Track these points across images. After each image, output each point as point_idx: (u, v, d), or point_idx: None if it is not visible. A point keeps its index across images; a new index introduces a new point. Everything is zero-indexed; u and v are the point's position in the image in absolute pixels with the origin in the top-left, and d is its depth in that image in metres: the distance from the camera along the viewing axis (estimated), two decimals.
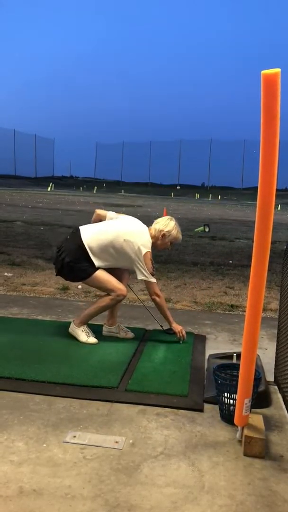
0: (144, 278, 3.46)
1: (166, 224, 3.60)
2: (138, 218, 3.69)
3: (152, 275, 3.48)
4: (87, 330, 3.60)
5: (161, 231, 3.57)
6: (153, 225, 3.63)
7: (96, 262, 3.47)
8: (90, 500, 1.84)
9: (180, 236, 3.69)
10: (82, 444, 2.23)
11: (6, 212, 16.63)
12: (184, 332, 3.68)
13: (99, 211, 3.82)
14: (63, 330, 3.70)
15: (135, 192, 57.85)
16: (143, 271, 3.44)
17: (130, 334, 3.77)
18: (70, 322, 3.71)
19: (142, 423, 2.47)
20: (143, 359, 3.29)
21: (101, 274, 3.48)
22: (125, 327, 3.82)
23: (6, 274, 6.16)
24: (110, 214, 3.75)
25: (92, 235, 3.50)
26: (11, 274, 6.17)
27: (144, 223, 3.67)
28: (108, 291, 3.52)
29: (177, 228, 3.64)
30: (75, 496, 1.86)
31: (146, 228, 3.60)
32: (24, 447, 2.19)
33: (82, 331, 3.58)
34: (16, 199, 26.59)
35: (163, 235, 3.57)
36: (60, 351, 3.34)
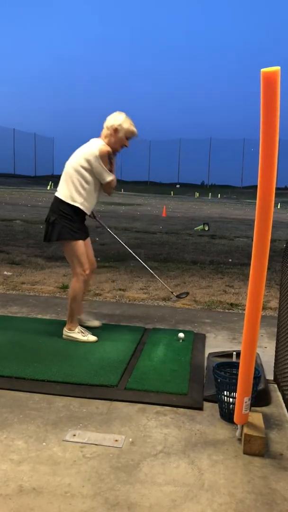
0: (110, 178, 3.43)
1: (114, 118, 3.43)
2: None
3: (110, 171, 3.44)
4: (82, 330, 3.60)
5: (112, 126, 3.41)
6: (104, 125, 3.50)
7: (77, 199, 3.42)
8: (89, 499, 1.84)
9: (135, 129, 3.48)
10: (82, 443, 2.24)
11: (5, 211, 16.62)
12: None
13: None
14: (62, 328, 3.69)
15: (135, 190, 57.85)
16: (105, 173, 3.40)
17: (96, 323, 3.92)
18: None
19: (142, 421, 2.47)
20: (142, 357, 3.29)
21: (81, 245, 3.48)
22: (125, 325, 3.82)
23: (5, 272, 6.16)
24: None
25: (60, 184, 3.51)
26: (10, 273, 6.17)
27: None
28: (77, 263, 3.48)
29: (129, 121, 3.45)
30: (74, 494, 1.86)
31: (95, 138, 3.51)
32: (23, 446, 2.19)
33: (78, 332, 3.57)
34: (16, 198, 26.58)
35: (115, 130, 3.41)
36: (59, 350, 3.34)
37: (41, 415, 2.48)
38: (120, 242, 3.98)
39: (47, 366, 3.02)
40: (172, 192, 58.74)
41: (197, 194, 55.96)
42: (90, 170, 3.40)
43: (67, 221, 3.43)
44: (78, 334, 3.57)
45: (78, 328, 3.59)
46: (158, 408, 2.63)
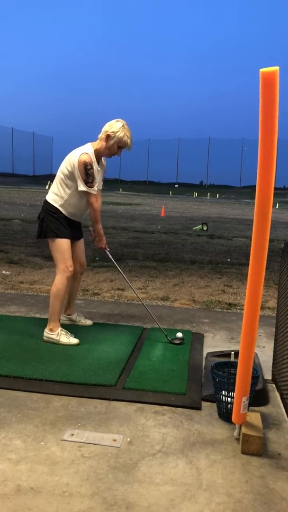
0: (83, 188, 3.38)
1: (110, 125, 3.41)
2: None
3: (87, 183, 3.36)
4: (64, 331, 3.51)
5: (105, 132, 3.39)
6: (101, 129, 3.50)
7: (58, 201, 3.47)
8: (88, 498, 1.84)
9: (128, 141, 3.44)
10: (80, 442, 2.24)
11: (4, 210, 16.60)
12: (103, 244, 3.67)
13: None
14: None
15: (134, 190, 57.83)
16: (80, 181, 3.37)
17: (89, 322, 3.94)
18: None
19: (140, 421, 2.47)
20: (141, 357, 3.30)
21: (64, 243, 3.48)
22: (124, 325, 3.81)
23: (4, 272, 6.16)
24: None
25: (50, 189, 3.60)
26: (9, 272, 6.16)
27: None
28: (60, 260, 3.47)
29: (125, 131, 3.40)
30: (73, 494, 1.86)
31: (88, 143, 3.49)
32: (22, 445, 2.19)
33: (59, 334, 3.47)
34: (14, 197, 26.55)
35: (108, 136, 3.38)
36: (58, 349, 3.34)
37: (39, 414, 2.48)
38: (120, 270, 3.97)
39: (45, 366, 3.02)
40: (170, 191, 58.73)
41: (195, 194, 55.96)
42: (70, 176, 3.41)
43: (52, 219, 3.48)
44: (60, 336, 3.46)
45: (59, 330, 3.48)
46: (157, 407, 2.63)
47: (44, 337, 3.49)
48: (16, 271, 6.30)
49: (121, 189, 57.21)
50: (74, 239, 3.61)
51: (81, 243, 3.76)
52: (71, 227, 3.56)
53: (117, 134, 3.38)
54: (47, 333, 3.49)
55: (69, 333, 3.52)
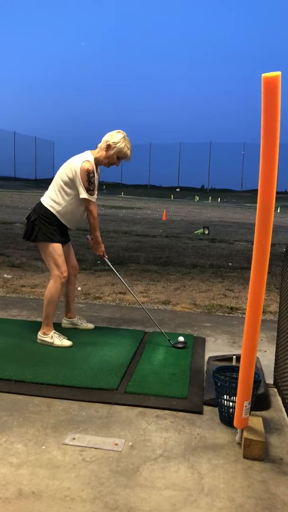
0: (85, 196, 3.38)
1: (111, 135, 3.45)
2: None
3: (88, 190, 3.37)
4: (57, 334, 3.53)
5: (106, 141, 3.43)
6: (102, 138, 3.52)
7: (55, 207, 3.45)
8: (89, 503, 1.84)
9: (128, 152, 3.49)
10: (82, 446, 2.23)
11: (5, 214, 16.63)
12: (102, 252, 3.67)
13: None
14: (62, 332, 3.69)
15: (135, 194, 57.90)
16: (82, 189, 3.37)
17: (90, 325, 3.92)
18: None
19: (142, 425, 2.47)
20: (142, 361, 3.29)
21: (58, 247, 3.47)
22: (125, 329, 3.81)
23: (5, 275, 6.16)
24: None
25: (48, 188, 3.58)
26: (10, 276, 6.17)
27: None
28: (54, 265, 3.46)
29: (125, 143, 3.45)
30: (74, 498, 1.86)
31: (88, 151, 3.51)
32: (23, 449, 2.18)
33: (52, 336, 3.49)
34: (16, 201, 26.61)
35: (108, 146, 3.42)
36: (59, 353, 3.34)
37: (41, 418, 2.48)
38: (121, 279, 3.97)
39: (46, 369, 3.02)
40: (172, 195, 58.78)
41: (196, 198, 55.99)
42: (70, 183, 3.41)
43: (45, 223, 3.46)
44: (53, 338, 3.48)
45: (52, 333, 3.51)
46: (158, 411, 2.62)
47: (38, 340, 3.52)
48: (18, 274, 6.31)
49: (122, 193, 57.29)
50: (63, 243, 3.61)
51: (70, 246, 3.76)
52: (61, 232, 3.56)
53: (118, 144, 3.42)
54: (40, 336, 3.52)
55: (62, 335, 3.53)
